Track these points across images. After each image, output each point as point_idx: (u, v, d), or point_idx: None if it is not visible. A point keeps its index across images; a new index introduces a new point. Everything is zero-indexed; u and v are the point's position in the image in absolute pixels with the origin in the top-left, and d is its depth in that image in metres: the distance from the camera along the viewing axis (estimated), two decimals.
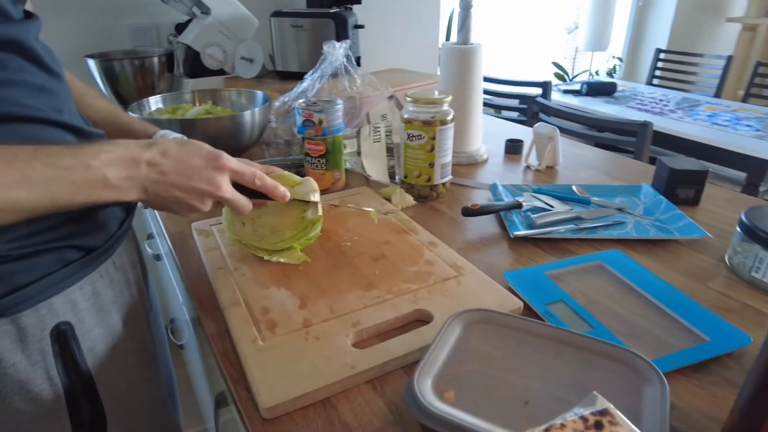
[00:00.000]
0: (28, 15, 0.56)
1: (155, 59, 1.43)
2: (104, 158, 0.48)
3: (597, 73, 3.43)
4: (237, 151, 1.07)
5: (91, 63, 1.38)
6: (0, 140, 0.48)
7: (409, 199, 0.90)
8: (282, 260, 0.67)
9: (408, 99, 0.87)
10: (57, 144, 0.49)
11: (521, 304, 0.61)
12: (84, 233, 0.56)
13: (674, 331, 0.57)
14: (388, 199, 0.91)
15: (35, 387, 0.53)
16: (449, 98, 0.86)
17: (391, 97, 1.03)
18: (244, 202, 0.59)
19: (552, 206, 0.87)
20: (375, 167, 0.97)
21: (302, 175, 0.73)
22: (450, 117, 0.87)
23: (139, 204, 0.60)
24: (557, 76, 3.53)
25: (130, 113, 1.00)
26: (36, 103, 0.52)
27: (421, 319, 0.59)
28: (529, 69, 3.56)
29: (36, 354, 0.53)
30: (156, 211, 0.86)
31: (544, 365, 0.46)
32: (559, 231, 0.79)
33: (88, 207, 0.49)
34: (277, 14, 1.49)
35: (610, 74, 3.60)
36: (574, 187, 0.95)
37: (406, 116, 0.87)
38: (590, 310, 0.61)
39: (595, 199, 0.91)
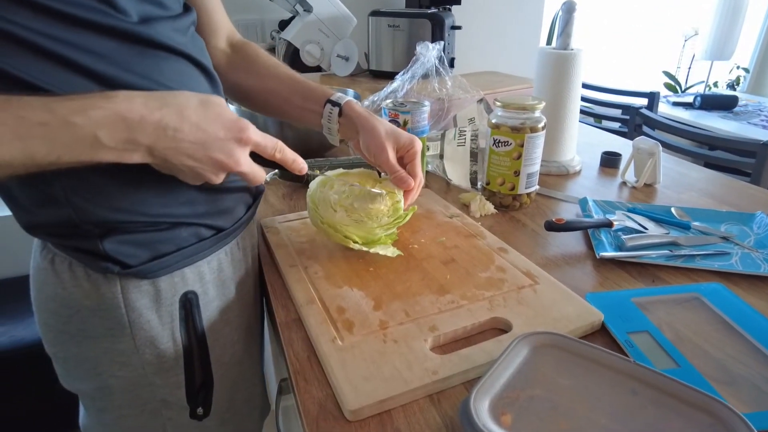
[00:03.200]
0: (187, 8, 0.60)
1: None
2: (94, 116, 0.42)
3: (715, 84, 3.12)
4: (323, 148, 1.10)
5: None
6: None
7: (489, 207, 0.87)
8: (380, 252, 0.67)
9: (497, 103, 0.84)
10: (37, 95, 0.42)
11: (602, 316, 0.58)
12: (216, 214, 0.62)
13: None
14: (467, 206, 0.89)
15: (162, 344, 0.60)
16: (542, 105, 0.82)
17: (480, 100, 1.01)
18: (261, 174, 0.56)
19: (646, 228, 0.80)
20: (456, 171, 0.95)
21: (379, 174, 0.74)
22: (541, 125, 0.83)
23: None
24: (667, 86, 3.25)
25: (229, 105, 1.06)
26: (181, 88, 0.54)
27: (499, 328, 0.58)
28: (636, 77, 3.32)
29: (166, 315, 0.59)
30: None
31: (615, 402, 0.42)
32: (650, 256, 0.73)
33: (86, 165, 0.44)
34: (375, 13, 1.51)
35: (732, 86, 3.26)
36: (673, 209, 0.87)
37: (493, 121, 0.85)
38: (678, 347, 0.55)
39: (696, 224, 0.83)
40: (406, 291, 0.62)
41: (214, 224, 0.62)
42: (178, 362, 0.62)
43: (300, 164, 0.60)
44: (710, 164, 1.74)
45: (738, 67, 3.27)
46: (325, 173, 0.71)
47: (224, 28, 0.76)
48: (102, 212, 0.52)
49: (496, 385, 0.42)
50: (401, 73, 1.07)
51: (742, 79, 3.29)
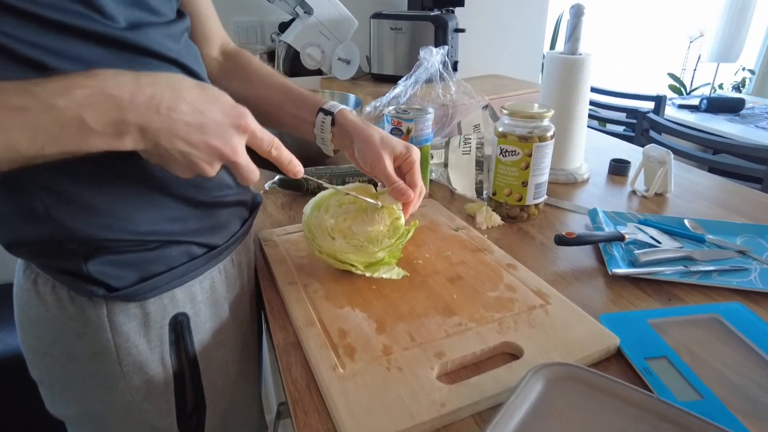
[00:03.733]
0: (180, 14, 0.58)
1: (257, 57, 1.48)
2: (78, 96, 0.37)
3: (721, 86, 3.09)
4: (323, 156, 1.07)
5: None
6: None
7: (496, 219, 0.84)
8: (384, 276, 0.63)
9: (504, 111, 0.81)
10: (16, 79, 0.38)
11: (618, 340, 0.55)
12: (209, 231, 0.59)
13: None
14: (472, 216, 0.86)
15: (151, 369, 0.56)
16: (550, 113, 0.79)
17: (486, 106, 0.98)
18: (255, 171, 0.50)
19: (659, 242, 0.77)
20: (461, 181, 0.92)
21: (374, 184, 0.71)
22: (550, 133, 0.80)
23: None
24: (672, 88, 3.22)
25: None
26: None
27: (509, 353, 0.55)
28: (639, 79, 3.28)
29: (155, 339, 0.56)
30: None
31: None
32: (665, 272, 0.69)
33: (75, 155, 0.40)
34: (378, 16, 1.48)
35: (737, 88, 3.23)
36: (686, 222, 0.84)
37: (500, 129, 0.82)
38: (699, 374, 0.52)
39: (710, 237, 0.80)
40: (411, 312, 0.59)
41: (206, 242, 0.59)
42: (168, 387, 0.58)
43: (296, 166, 0.55)
44: (714, 169, 1.71)
45: (743, 69, 3.24)
46: (325, 183, 0.68)
47: (218, 36, 0.73)
48: (86, 229, 0.49)
49: (510, 425, 0.39)
50: (404, 78, 1.03)
51: (747, 81, 3.25)
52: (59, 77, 0.38)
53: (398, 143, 0.66)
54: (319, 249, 0.64)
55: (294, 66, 1.57)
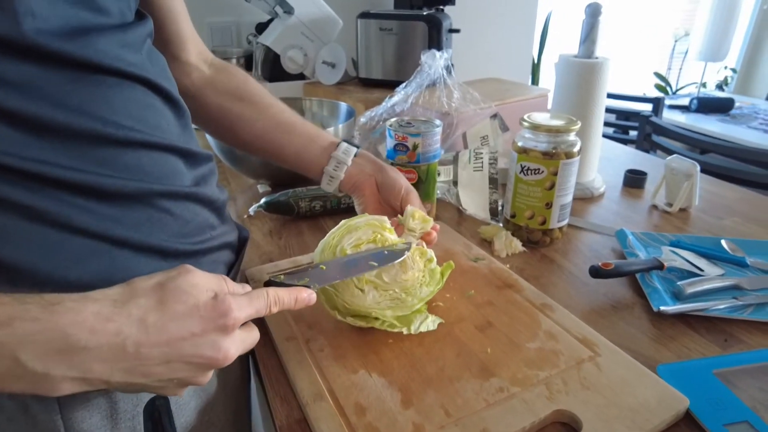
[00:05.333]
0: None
1: (233, 60, 1.36)
2: (18, 330, 0.30)
3: (704, 85, 3.08)
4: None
5: None
6: (98, 169, 0.39)
7: (517, 245, 0.74)
8: (422, 330, 0.52)
9: (524, 124, 0.72)
10: None
11: (687, 402, 0.46)
12: None
13: None
14: (488, 242, 0.76)
15: None
16: (577, 126, 0.70)
17: (494, 116, 0.88)
18: (255, 336, 0.42)
19: (701, 269, 0.69)
20: (473, 200, 0.82)
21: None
22: (576, 148, 0.70)
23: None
24: (658, 87, 3.19)
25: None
26: (136, 123, 0.42)
27: (563, 422, 0.45)
28: (624, 79, 3.25)
29: None
30: None
31: None
32: (719, 308, 0.61)
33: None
34: (365, 15, 1.37)
35: (720, 87, 3.23)
36: (723, 243, 0.76)
37: (520, 144, 0.72)
38: None
39: (751, 260, 0.72)
40: (440, 374, 0.49)
41: None
42: None
43: (303, 300, 0.44)
44: (711, 172, 1.65)
45: (726, 68, 3.23)
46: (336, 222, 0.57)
47: (193, 39, 0.61)
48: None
49: None
50: (404, 85, 0.93)
51: (729, 80, 3.25)
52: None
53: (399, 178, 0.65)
54: (344, 307, 0.51)
55: (274, 70, 1.45)
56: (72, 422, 0.41)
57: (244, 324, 0.39)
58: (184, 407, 0.48)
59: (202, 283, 0.37)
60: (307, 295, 0.44)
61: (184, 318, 0.35)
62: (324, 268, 0.49)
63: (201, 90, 0.62)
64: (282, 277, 0.45)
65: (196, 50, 0.62)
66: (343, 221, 0.56)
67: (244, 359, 0.61)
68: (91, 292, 0.33)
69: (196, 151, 0.49)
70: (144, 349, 0.33)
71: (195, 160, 0.49)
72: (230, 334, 0.37)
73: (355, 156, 0.64)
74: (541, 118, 0.73)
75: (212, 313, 0.36)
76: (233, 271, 0.55)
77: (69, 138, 0.37)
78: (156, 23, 0.51)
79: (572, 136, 0.71)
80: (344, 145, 0.64)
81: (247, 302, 0.39)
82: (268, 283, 0.44)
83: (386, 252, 0.52)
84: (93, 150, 0.39)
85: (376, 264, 0.51)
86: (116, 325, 0.32)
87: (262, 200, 0.83)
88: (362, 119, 0.95)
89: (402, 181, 0.63)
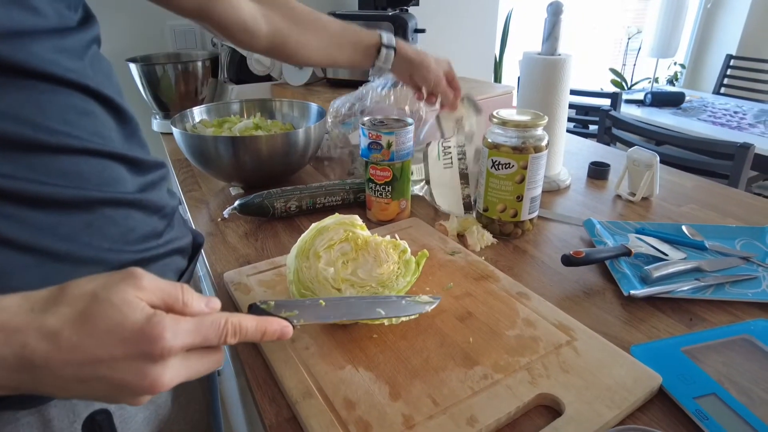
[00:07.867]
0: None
1: (198, 63, 1.33)
2: None
3: (656, 80, 3.21)
4: (288, 172, 0.96)
5: (133, 67, 1.29)
6: (30, 175, 0.37)
7: (489, 237, 0.76)
8: (403, 318, 0.52)
9: (494, 120, 0.74)
10: None
11: (660, 378, 0.49)
12: None
13: None
14: (462, 236, 0.78)
15: None
16: (544, 120, 0.73)
17: (463, 99, 0.90)
18: (210, 367, 0.36)
19: (665, 254, 0.73)
20: (447, 197, 0.84)
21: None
22: (545, 142, 0.73)
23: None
24: (614, 83, 3.31)
25: (172, 127, 0.90)
26: (72, 129, 0.40)
27: (545, 405, 0.47)
28: (581, 75, 3.36)
29: None
30: (202, 253, 0.73)
31: None
32: (683, 290, 0.64)
33: None
34: (332, 16, 1.37)
35: (671, 82, 3.37)
36: (684, 228, 0.80)
37: (490, 140, 0.74)
38: (753, 410, 0.47)
39: (710, 243, 0.76)
40: (426, 366, 0.50)
41: None
42: None
43: (273, 334, 0.39)
44: (668, 162, 1.73)
45: (675, 63, 3.38)
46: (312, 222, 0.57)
47: (247, 12, 0.71)
48: None
49: None
50: (371, 80, 0.94)
51: (679, 75, 3.40)
52: None
53: (444, 61, 0.88)
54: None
55: (240, 72, 1.43)
56: None
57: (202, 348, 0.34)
58: (130, 420, 0.46)
59: (139, 298, 0.32)
60: (279, 328, 0.39)
61: (103, 337, 0.30)
62: (323, 303, 0.46)
63: (268, 38, 0.74)
64: (272, 303, 0.42)
65: (251, 17, 0.71)
66: (313, 225, 0.57)
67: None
68: (11, 295, 0.31)
69: (143, 158, 0.47)
70: (54, 364, 0.30)
71: (141, 168, 0.47)
72: (159, 362, 0.32)
73: (394, 55, 0.82)
74: (509, 114, 0.75)
75: (138, 337, 0.31)
76: (184, 277, 0.53)
77: None
78: (221, 21, 0.68)
79: (540, 131, 0.73)
80: (384, 52, 0.81)
81: (192, 328, 0.33)
82: (251, 309, 0.42)
83: (404, 302, 0.51)
84: (25, 156, 0.36)
85: (383, 313, 0.49)
86: (23, 338, 0.29)
87: (237, 203, 0.82)
88: (330, 110, 0.96)
89: (431, 77, 0.84)
